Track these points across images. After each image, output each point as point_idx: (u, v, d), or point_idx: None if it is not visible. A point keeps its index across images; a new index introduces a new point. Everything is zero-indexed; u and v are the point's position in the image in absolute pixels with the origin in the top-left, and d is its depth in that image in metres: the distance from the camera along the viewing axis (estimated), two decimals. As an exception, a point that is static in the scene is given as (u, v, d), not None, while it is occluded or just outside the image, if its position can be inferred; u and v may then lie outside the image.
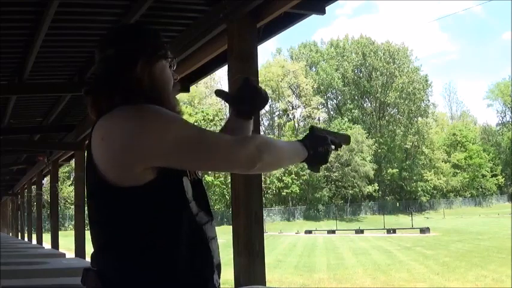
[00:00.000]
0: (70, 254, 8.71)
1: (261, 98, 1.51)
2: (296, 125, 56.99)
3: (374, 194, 55.49)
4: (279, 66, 55.34)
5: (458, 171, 59.89)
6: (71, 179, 41.66)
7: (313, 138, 1.40)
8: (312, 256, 18.50)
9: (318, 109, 57.32)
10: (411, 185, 56.42)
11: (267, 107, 57.02)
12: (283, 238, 28.98)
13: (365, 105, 61.13)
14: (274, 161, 1.25)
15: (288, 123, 57.04)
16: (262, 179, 5.84)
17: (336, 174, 51.24)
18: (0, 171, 13.75)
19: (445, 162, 59.55)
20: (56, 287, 3.88)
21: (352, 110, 58.00)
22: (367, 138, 52.56)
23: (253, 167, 1.17)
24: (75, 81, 5.82)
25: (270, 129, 58.47)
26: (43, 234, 14.92)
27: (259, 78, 3.80)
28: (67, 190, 43.36)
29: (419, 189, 56.00)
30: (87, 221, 8.41)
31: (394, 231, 29.35)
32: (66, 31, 4.53)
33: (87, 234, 1.30)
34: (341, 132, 1.68)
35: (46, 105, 7.53)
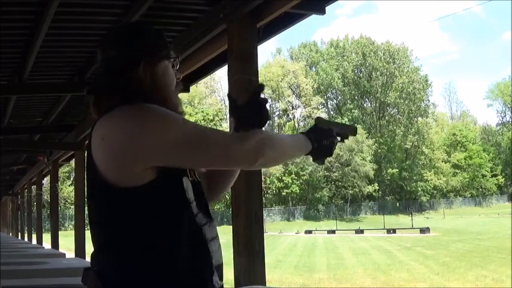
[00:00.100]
0: (70, 254, 8.71)
1: (266, 115, 1.39)
2: (296, 125, 56.96)
3: (374, 194, 55.49)
4: (279, 66, 55.32)
5: (458, 171, 59.89)
6: (71, 179, 41.66)
7: (317, 130, 1.39)
8: (312, 256, 18.50)
9: (318, 109, 57.29)
10: (411, 185, 56.42)
11: (266, 107, 56.95)
12: (283, 238, 28.98)
13: (365, 105, 61.12)
14: (277, 155, 1.24)
15: (288, 123, 57.03)
16: (262, 179, 5.84)
17: (336, 174, 51.24)
18: (0, 171, 13.75)
19: (445, 162, 59.55)
20: (56, 287, 3.88)
21: (352, 110, 58.01)
22: (367, 138, 52.55)
23: (255, 162, 1.17)
24: (75, 81, 5.82)
25: (270, 129, 58.48)
26: (43, 234, 14.92)
27: (259, 78, 3.80)
28: (67, 190, 43.36)
29: (419, 189, 56.00)
30: (87, 221, 8.42)
31: (394, 231, 29.34)
32: (66, 31, 4.53)
33: (87, 234, 1.30)
34: (347, 123, 1.66)
35: (46, 105, 7.53)
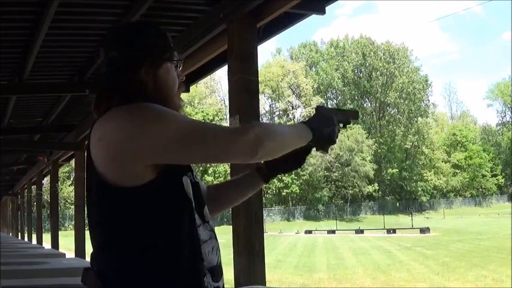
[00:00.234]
0: (70, 254, 8.70)
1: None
2: (296, 125, 56.85)
3: (374, 194, 55.48)
4: (279, 66, 55.31)
5: (458, 171, 59.88)
6: (71, 179, 41.65)
7: (318, 119, 1.38)
8: (312, 256, 18.49)
9: (318, 109, 57.15)
10: (411, 185, 56.41)
11: (266, 107, 57.08)
12: (283, 238, 28.97)
13: (365, 105, 61.10)
14: (276, 146, 1.23)
15: (288, 124, 57.03)
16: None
17: (336, 174, 51.24)
18: (0, 171, 13.75)
19: (445, 162, 59.54)
20: (56, 287, 3.87)
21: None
22: (367, 138, 52.54)
23: (255, 154, 1.16)
24: (75, 81, 5.83)
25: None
26: (43, 234, 14.92)
27: (259, 78, 3.80)
28: (67, 190, 43.35)
29: (419, 189, 55.99)
30: (87, 221, 8.39)
31: (394, 231, 29.34)
32: (66, 31, 4.53)
33: (87, 234, 1.30)
34: (349, 109, 1.66)
35: (46, 105, 7.53)
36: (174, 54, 1.33)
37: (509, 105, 65.97)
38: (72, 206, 23.16)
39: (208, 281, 1.22)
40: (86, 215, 8.49)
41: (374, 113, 59.67)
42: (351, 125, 1.52)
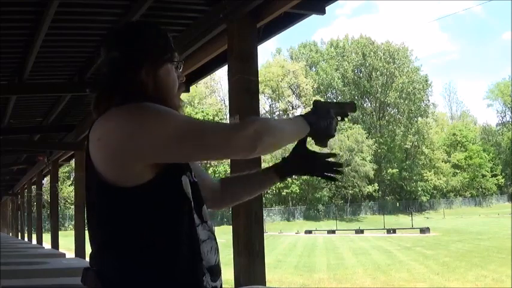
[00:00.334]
0: (70, 254, 8.71)
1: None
2: (296, 125, 56.86)
3: (374, 194, 55.47)
4: (279, 66, 55.31)
5: (458, 171, 59.87)
6: (71, 179, 41.66)
7: (315, 112, 1.39)
8: (312, 256, 18.50)
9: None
10: (411, 185, 56.40)
11: (266, 107, 57.07)
12: (283, 238, 28.97)
13: (365, 105, 61.08)
14: (275, 140, 1.24)
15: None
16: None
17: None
18: (0, 171, 13.75)
19: (445, 162, 59.53)
20: (56, 287, 3.87)
21: (352, 110, 57.93)
22: (367, 138, 52.54)
23: (254, 150, 1.16)
24: (75, 81, 5.83)
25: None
26: (43, 234, 14.92)
27: (259, 78, 3.80)
28: (67, 190, 43.35)
29: (419, 189, 55.98)
30: (86, 221, 8.40)
31: (394, 231, 29.34)
32: (66, 31, 4.53)
33: (87, 234, 1.30)
34: (347, 101, 1.67)
35: (46, 105, 7.53)
36: (175, 55, 1.33)
37: (509, 105, 65.98)
38: (72, 206, 23.17)
39: (207, 280, 1.23)
40: (85, 215, 8.49)
41: (374, 113, 59.66)
42: (349, 117, 1.53)
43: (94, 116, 1.25)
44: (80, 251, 8.68)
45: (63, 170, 32.90)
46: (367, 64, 58.10)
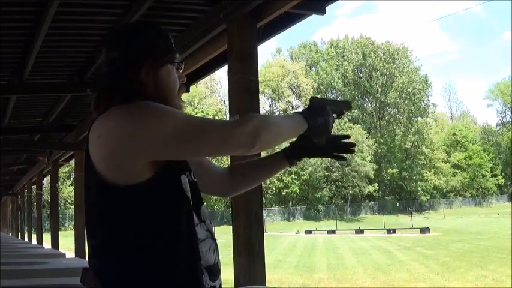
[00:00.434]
0: (70, 254, 8.71)
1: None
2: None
3: (374, 194, 55.47)
4: (279, 66, 55.31)
5: (458, 171, 59.87)
6: (71, 179, 41.67)
7: (312, 109, 1.40)
8: (312, 256, 18.50)
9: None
10: (411, 185, 56.40)
11: (266, 107, 57.07)
12: (283, 238, 28.97)
13: (365, 105, 61.10)
14: (273, 137, 1.25)
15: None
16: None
17: (336, 174, 51.23)
18: (0, 171, 13.75)
19: (445, 162, 59.53)
20: (56, 287, 3.87)
21: (352, 110, 57.89)
22: (367, 138, 52.54)
23: (252, 146, 1.17)
24: (75, 81, 5.82)
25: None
26: (43, 234, 14.91)
27: (259, 78, 3.80)
28: (67, 190, 43.36)
29: (419, 189, 55.98)
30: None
31: (394, 231, 29.34)
32: (66, 31, 4.53)
33: (86, 234, 1.30)
34: (342, 100, 1.69)
35: (46, 105, 7.53)
36: (176, 56, 1.33)
37: (509, 105, 65.97)
38: (72, 206, 23.17)
39: (206, 280, 1.23)
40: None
41: (374, 113, 59.66)
42: (345, 115, 1.55)
43: (94, 115, 1.26)
44: (80, 251, 8.68)
45: (63, 170, 32.90)
46: (367, 64, 58.10)
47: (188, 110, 47.72)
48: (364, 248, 20.76)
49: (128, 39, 1.30)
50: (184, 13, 4.24)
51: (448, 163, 59.72)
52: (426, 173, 56.64)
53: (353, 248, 20.77)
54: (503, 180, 62.82)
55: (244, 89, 3.49)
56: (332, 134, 1.48)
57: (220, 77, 56.63)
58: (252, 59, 3.56)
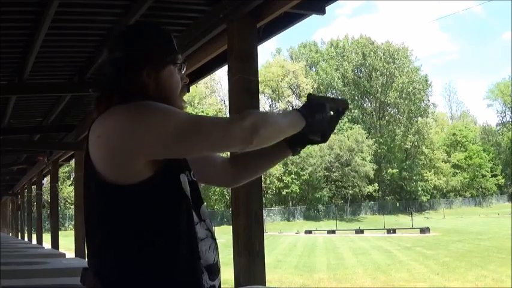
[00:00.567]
0: (70, 254, 8.71)
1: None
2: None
3: (374, 194, 55.47)
4: (279, 66, 55.31)
5: (458, 171, 59.86)
6: (71, 179, 41.67)
7: (310, 106, 1.40)
8: (312, 256, 18.50)
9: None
10: (411, 185, 56.40)
11: (266, 107, 57.06)
12: (283, 238, 28.98)
13: (365, 105, 61.10)
14: (271, 133, 1.25)
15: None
16: (262, 178, 5.83)
17: (336, 174, 51.22)
18: (0, 171, 13.75)
19: (445, 162, 59.52)
20: (56, 287, 3.87)
21: (352, 110, 57.96)
22: (367, 138, 52.53)
23: (250, 142, 1.18)
24: (75, 81, 5.82)
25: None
26: (43, 234, 14.91)
27: (259, 78, 3.80)
28: (67, 190, 43.35)
29: (419, 189, 55.98)
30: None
31: (394, 231, 29.34)
32: (66, 31, 4.53)
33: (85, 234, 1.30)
34: (340, 98, 1.68)
35: (46, 105, 7.53)
36: (178, 57, 1.34)
37: (509, 105, 65.96)
38: (72, 206, 23.16)
39: (205, 279, 1.23)
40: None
41: (374, 113, 59.66)
42: (342, 113, 1.53)
43: (94, 115, 1.26)
44: (80, 251, 8.67)
45: (63, 170, 32.91)
46: (367, 64, 58.09)
47: (188, 110, 47.17)
48: (364, 248, 20.76)
49: (129, 40, 1.30)
50: (184, 13, 4.24)
51: (448, 163, 59.72)
52: (426, 173, 56.64)
53: (353, 248, 20.77)
54: (503, 180, 62.81)
55: (244, 89, 3.49)
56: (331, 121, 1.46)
57: (220, 77, 56.69)
58: (252, 59, 3.56)
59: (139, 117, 1.16)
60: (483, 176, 61.03)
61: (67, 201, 43.76)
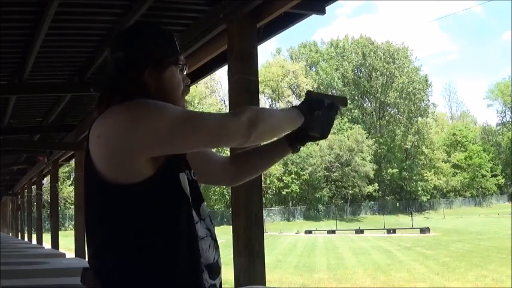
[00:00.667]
0: (70, 254, 8.71)
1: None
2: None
3: (374, 194, 55.46)
4: (279, 66, 55.32)
5: (458, 171, 59.87)
6: (71, 179, 41.67)
7: (308, 102, 1.40)
8: (312, 256, 18.50)
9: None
10: (411, 185, 56.40)
11: (267, 107, 57.03)
12: (283, 238, 28.97)
13: (365, 105, 61.10)
14: (269, 129, 1.25)
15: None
16: (262, 178, 5.85)
17: (336, 174, 51.21)
18: (0, 171, 13.75)
19: (445, 162, 59.52)
20: (56, 287, 3.87)
21: (352, 110, 57.96)
22: (367, 138, 52.52)
23: (248, 137, 1.18)
24: (75, 81, 5.82)
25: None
26: (43, 234, 14.91)
27: (259, 78, 3.80)
28: (67, 190, 43.35)
29: (419, 189, 55.98)
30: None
31: (394, 231, 29.33)
32: (66, 31, 4.53)
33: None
34: (338, 95, 1.68)
35: (46, 105, 7.53)
36: (180, 58, 1.34)
37: (509, 105, 65.95)
38: (72, 206, 23.16)
39: (206, 278, 1.23)
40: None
41: (374, 113, 59.66)
42: (340, 110, 1.53)
43: (95, 115, 1.26)
44: (80, 251, 8.68)
45: (63, 170, 32.90)
46: (367, 64, 58.09)
47: (188, 110, 47.63)
48: (364, 248, 20.76)
49: (130, 40, 1.31)
50: (184, 13, 4.24)
51: (448, 163, 59.72)
52: (426, 173, 56.64)
53: (353, 248, 20.77)
54: (503, 180, 62.80)
55: (244, 89, 3.49)
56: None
57: (220, 77, 56.66)
58: (252, 59, 3.56)
59: (138, 114, 1.16)
60: (483, 176, 61.03)
61: (67, 201, 43.76)
